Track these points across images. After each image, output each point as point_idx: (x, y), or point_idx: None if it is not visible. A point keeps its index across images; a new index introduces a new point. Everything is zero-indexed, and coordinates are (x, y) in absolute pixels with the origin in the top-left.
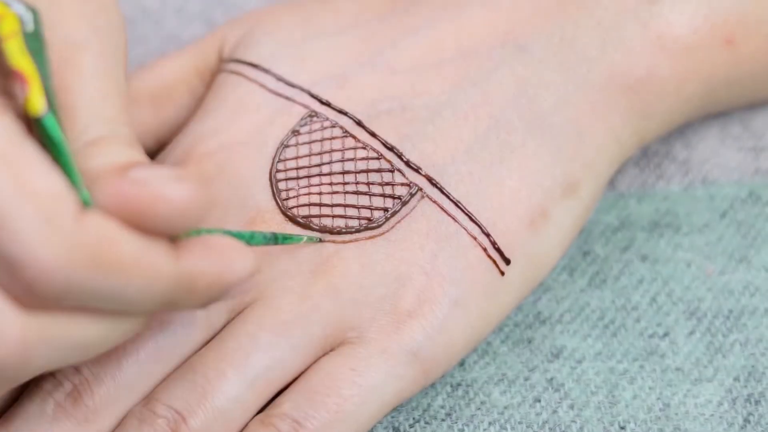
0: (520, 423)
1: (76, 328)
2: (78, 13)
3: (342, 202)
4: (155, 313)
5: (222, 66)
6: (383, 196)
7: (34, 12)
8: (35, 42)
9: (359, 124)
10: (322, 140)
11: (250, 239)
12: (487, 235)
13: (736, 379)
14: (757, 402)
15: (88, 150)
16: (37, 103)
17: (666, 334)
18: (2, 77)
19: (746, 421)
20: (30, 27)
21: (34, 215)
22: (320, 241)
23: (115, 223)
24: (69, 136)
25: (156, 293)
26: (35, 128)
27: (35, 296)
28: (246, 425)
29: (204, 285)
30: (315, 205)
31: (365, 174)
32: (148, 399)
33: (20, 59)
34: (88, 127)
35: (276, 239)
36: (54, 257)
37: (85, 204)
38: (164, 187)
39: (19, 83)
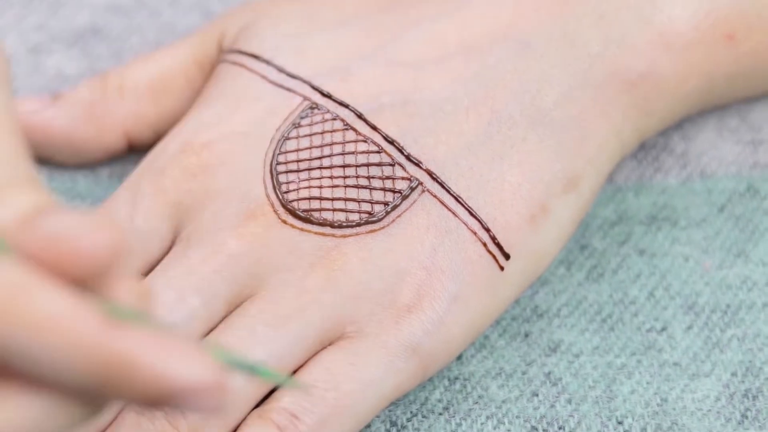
0: (517, 417)
1: (7, 406)
2: None
3: (342, 195)
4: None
5: (222, 57)
6: (384, 189)
7: None
8: None
9: (360, 117)
10: (323, 133)
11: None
12: (487, 230)
13: (734, 374)
14: (754, 397)
15: None
16: None
17: (664, 329)
18: None
19: (744, 416)
20: None
21: None
22: (301, 387)
23: (31, 274)
24: None
25: (81, 362)
26: None
27: None
28: (244, 419)
29: (142, 375)
30: (315, 198)
31: (366, 167)
32: None
33: None
34: None
35: (251, 368)
36: None
37: None
38: (81, 241)
39: None
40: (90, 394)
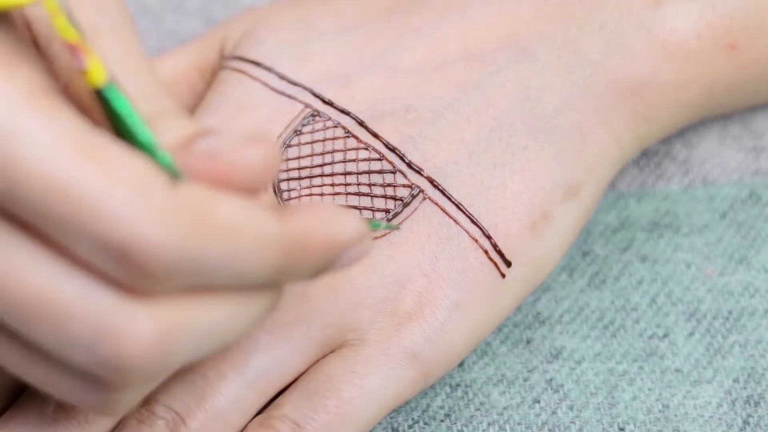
0: (519, 424)
1: (206, 312)
2: (78, 1)
3: (343, 203)
4: (283, 289)
5: (224, 63)
6: (385, 197)
7: None
8: (71, 20)
9: (361, 124)
10: (324, 140)
11: None
12: (489, 237)
13: (736, 380)
14: (756, 404)
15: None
16: (98, 74)
17: (665, 335)
18: (56, 76)
19: (745, 422)
20: (64, 4)
21: (128, 197)
22: (398, 228)
23: (210, 188)
24: None
25: (268, 256)
26: (99, 107)
27: (150, 281)
28: (245, 426)
29: (314, 247)
30: None
31: (367, 175)
32: (148, 400)
33: (71, 33)
34: (136, 109)
35: None
36: (158, 232)
37: (171, 170)
38: (238, 155)
39: (75, 57)
40: (273, 283)
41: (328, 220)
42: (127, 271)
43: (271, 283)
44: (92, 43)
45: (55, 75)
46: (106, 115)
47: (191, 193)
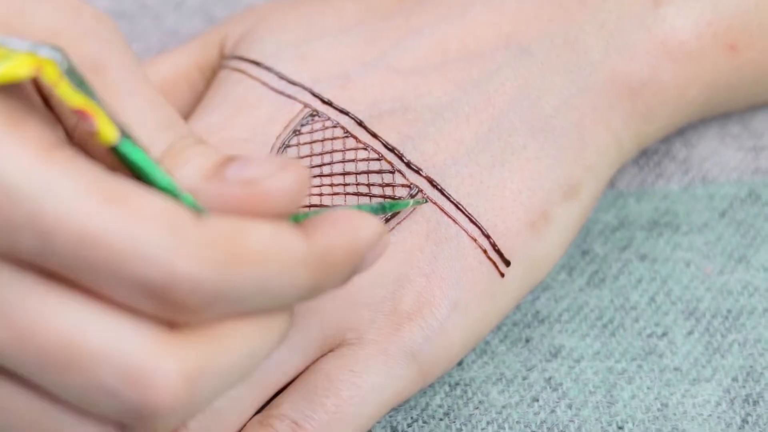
0: (518, 422)
1: (233, 343)
2: (79, 33)
3: (342, 203)
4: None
5: (224, 62)
6: (383, 197)
7: (60, 50)
8: (75, 77)
9: (360, 124)
10: (323, 140)
11: None
12: (487, 236)
13: (735, 379)
14: (755, 402)
15: (166, 164)
16: (109, 133)
17: (664, 334)
18: (61, 121)
19: (744, 421)
20: (64, 65)
21: (160, 236)
22: (426, 201)
23: (236, 217)
24: None
25: (299, 276)
26: (113, 157)
27: (186, 315)
28: (244, 426)
29: (342, 258)
30: (315, 206)
31: (366, 175)
32: None
33: (76, 98)
34: (154, 142)
35: (384, 208)
36: (193, 267)
37: (195, 209)
38: (272, 182)
39: (84, 120)
40: (304, 301)
41: (349, 228)
42: (163, 308)
43: (301, 301)
44: (99, 80)
45: (63, 119)
46: (124, 164)
47: (219, 224)
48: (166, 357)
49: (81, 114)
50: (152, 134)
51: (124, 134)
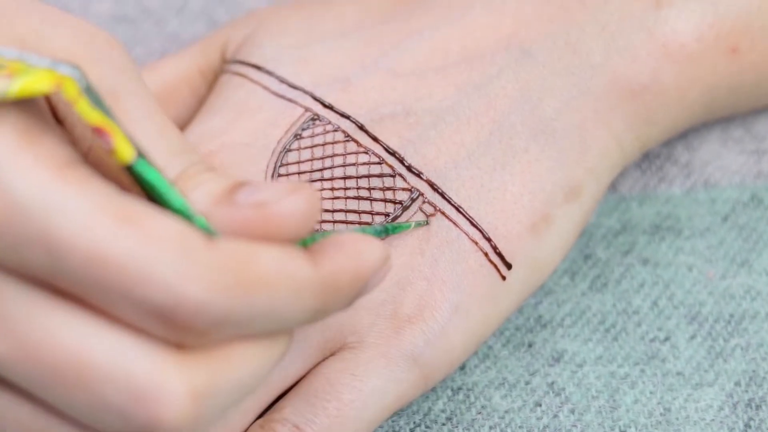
0: (520, 427)
1: (238, 363)
2: (95, 59)
3: (343, 207)
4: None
5: (225, 67)
6: (384, 201)
7: (79, 68)
8: (93, 95)
9: (361, 128)
10: (324, 144)
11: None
12: (488, 239)
13: (737, 383)
14: (757, 407)
15: (177, 188)
16: (126, 152)
17: (667, 339)
18: (76, 142)
19: (747, 426)
20: (83, 83)
21: (170, 258)
22: (427, 223)
23: (247, 242)
24: None
25: (305, 301)
26: (129, 176)
27: (194, 337)
28: (246, 429)
29: (347, 282)
30: None
31: (366, 179)
32: None
33: (94, 116)
34: (166, 167)
35: (387, 231)
36: (202, 291)
37: (208, 231)
38: (283, 206)
39: (101, 138)
40: (308, 324)
41: (354, 254)
42: (171, 330)
43: (306, 324)
44: (115, 106)
45: (77, 140)
46: (138, 184)
47: (230, 248)
48: (172, 376)
49: (99, 131)
50: (165, 160)
51: (140, 154)
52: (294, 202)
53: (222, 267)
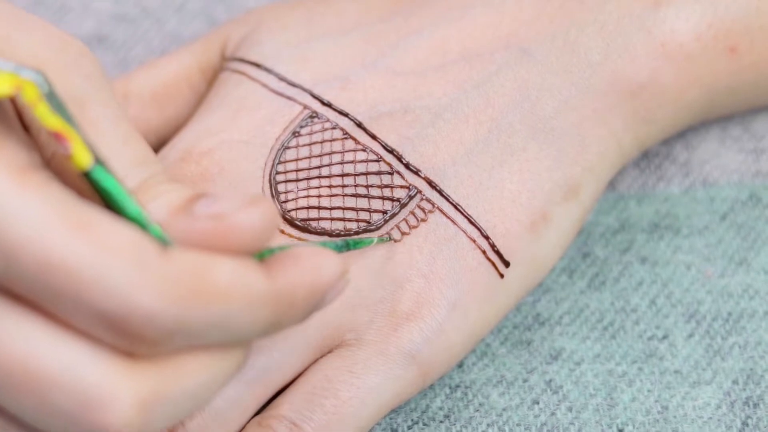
0: (518, 425)
1: (188, 373)
2: (64, 66)
3: (341, 204)
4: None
5: (224, 64)
6: (382, 198)
7: (42, 73)
8: (55, 101)
9: (360, 125)
10: (322, 142)
11: None
12: (486, 237)
13: (735, 382)
14: (755, 405)
15: (137, 198)
16: (83, 158)
17: (665, 337)
18: (37, 146)
19: (744, 424)
20: (45, 88)
21: (123, 267)
22: (391, 239)
23: (201, 252)
24: None
25: (259, 314)
26: (86, 182)
27: (145, 347)
28: (244, 427)
29: (302, 296)
30: (314, 207)
31: (364, 176)
32: None
33: (53, 120)
34: (127, 177)
35: (348, 245)
36: (155, 301)
37: (162, 241)
38: (239, 218)
39: (60, 143)
40: (261, 337)
41: (310, 268)
42: (122, 339)
43: (259, 338)
44: (80, 114)
45: (42, 146)
46: (96, 191)
47: (184, 259)
48: (121, 384)
49: (57, 136)
50: (126, 169)
51: (98, 161)
52: (251, 215)
53: (175, 277)
